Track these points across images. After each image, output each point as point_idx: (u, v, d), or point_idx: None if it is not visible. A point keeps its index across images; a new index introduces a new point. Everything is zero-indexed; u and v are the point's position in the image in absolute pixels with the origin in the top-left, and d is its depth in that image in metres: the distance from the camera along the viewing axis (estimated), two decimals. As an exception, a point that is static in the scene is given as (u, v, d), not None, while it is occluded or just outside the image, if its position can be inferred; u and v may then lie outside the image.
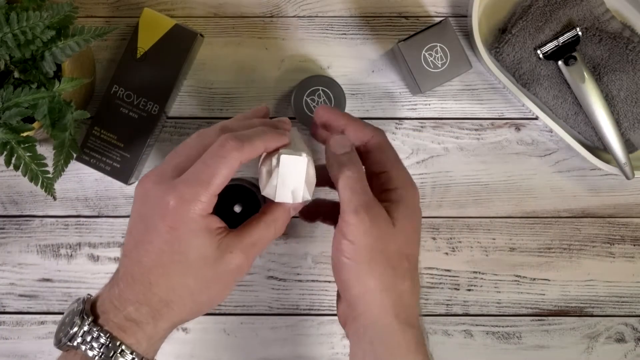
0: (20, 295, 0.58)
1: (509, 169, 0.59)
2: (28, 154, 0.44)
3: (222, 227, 0.38)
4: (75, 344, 0.36)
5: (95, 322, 0.37)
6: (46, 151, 0.56)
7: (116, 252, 0.58)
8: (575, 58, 0.55)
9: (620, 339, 0.60)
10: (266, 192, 0.39)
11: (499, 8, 0.58)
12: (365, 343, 0.39)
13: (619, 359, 0.60)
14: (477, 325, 0.59)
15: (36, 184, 0.45)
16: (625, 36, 0.56)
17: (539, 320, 0.60)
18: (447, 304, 0.59)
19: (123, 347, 0.36)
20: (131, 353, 0.37)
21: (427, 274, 0.59)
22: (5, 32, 0.42)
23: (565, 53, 0.55)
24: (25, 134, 0.44)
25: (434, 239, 0.59)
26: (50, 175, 0.46)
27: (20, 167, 0.44)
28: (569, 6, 0.56)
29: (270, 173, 0.39)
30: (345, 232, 0.38)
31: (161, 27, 0.53)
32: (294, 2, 0.58)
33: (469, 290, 0.59)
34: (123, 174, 0.54)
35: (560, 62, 0.55)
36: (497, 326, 0.60)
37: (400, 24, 0.58)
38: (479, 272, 0.59)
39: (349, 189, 0.38)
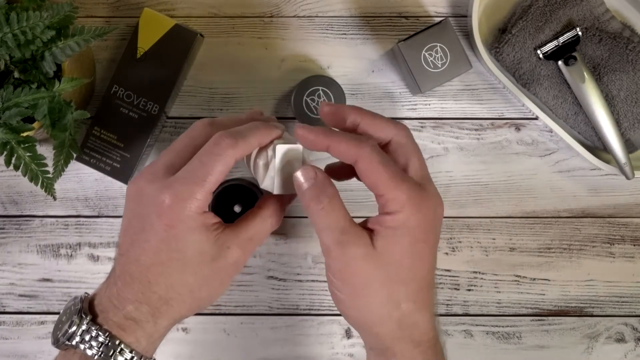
0: (20, 295, 0.58)
1: (509, 169, 0.59)
2: (28, 154, 0.44)
3: (218, 222, 0.38)
4: (73, 343, 0.36)
5: (93, 320, 0.37)
6: (46, 151, 0.56)
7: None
8: (575, 58, 0.55)
9: (620, 339, 0.60)
10: (265, 184, 0.39)
11: (499, 8, 0.58)
12: None
13: (619, 359, 0.60)
14: (477, 325, 0.59)
15: (36, 184, 0.45)
16: (625, 36, 0.56)
17: (539, 320, 0.60)
18: (447, 304, 0.59)
19: (122, 345, 0.36)
20: (130, 352, 0.37)
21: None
22: (5, 32, 0.42)
23: (565, 53, 0.55)
24: (25, 134, 0.44)
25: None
26: (50, 175, 0.46)
27: (20, 167, 0.44)
28: (569, 6, 0.56)
29: (267, 166, 0.39)
30: (327, 267, 0.38)
31: (161, 27, 0.53)
32: (294, 2, 0.58)
33: (469, 290, 0.59)
34: (123, 174, 0.54)
35: (560, 62, 0.55)
36: (497, 326, 0.60)
37: (400, 24, 0.58)
38: (479, 272, 0.59)
39: (317, 228, 0.37)
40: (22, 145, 0.44)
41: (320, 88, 0.54)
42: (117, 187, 0.58)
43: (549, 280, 0.59)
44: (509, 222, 0.59)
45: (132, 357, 0.37)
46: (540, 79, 0.56)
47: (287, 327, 0.59)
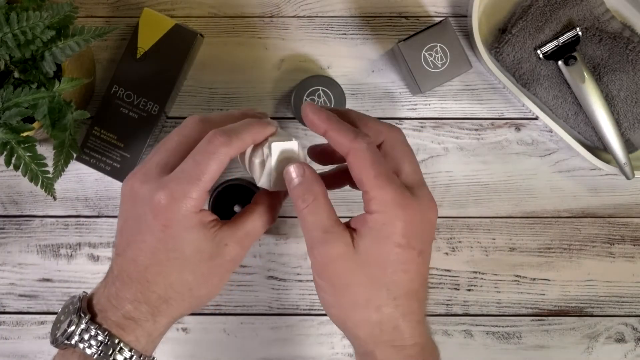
0: (20, 295, 0.58)
1: (509, 169, 0.59)
2: (28, 154, 0.44)
3: (215, 220, 0.38)
4: (72, 342, 0.36)
5: (92, 320, 0.37)
6: (46, 151, 0.56)
7: (116, 252, 0.58)
8: (575, 58, 0.55)
9: (620, 339, 0.60)
10: (262, 182, 0.39)
11: (499, 8, 0.58)
12: None
13: (619, 359, 0.60)
14: (477, 325, 0.59)
15: (36, 184, 0.45)
16: (625, 36, 0.56)
17: (539, 320, 0.60)
18: (447, 304, 0.59)
19: (122, 344, 0.36)
20: (130, 350, 0.37)
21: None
22: (5, 32, 0.42)
23: (565, 53, 0.55)
24: (25, 134, 0.44)
25: (434, 239, 0.59)
26: (50, 175, 0.46)
27: (20, 167, 0.44)
28: (569, 6, 0.56)
29: (263, 164, 0.39)
30: (311, 266, 0.38)
31: (161, 27, 0.53)
32: (293, 2, 0.58)
33: (469, 290, 0.59)
34: (123, 174, 0.54)
35: (560, 62, 0.55)
36: (497, 326, 0.60)
37: (400, 24, 0.58)
38: (479, 272, 0.59)
39: (302, 226, 0.37)
40: (22, 145, 0.44)
41: (320, 88, 0.54)
42: (117, 187, 0.58)
43: (549, 280, 0.59)
44: (509, 222, 0.59)
45: (132, 356, 0.37)
46: (540, 79, 0.56)
47: (287, 327, 0.59)
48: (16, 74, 0.45)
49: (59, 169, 0.48)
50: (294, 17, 0.58)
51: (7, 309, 0.58)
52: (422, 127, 0.58)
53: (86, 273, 0.58)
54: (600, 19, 0.56)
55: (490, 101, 0.59)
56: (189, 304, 0.39)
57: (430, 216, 0.37)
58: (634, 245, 0.60)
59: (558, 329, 0.60)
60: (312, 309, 0.59)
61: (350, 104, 0.57)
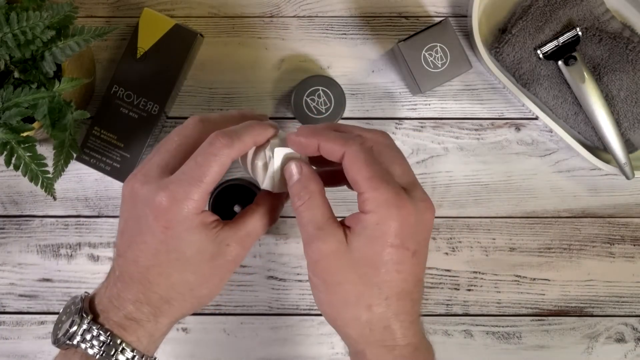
0: (20, 295, 0.58)
1: (509, 169, 0.59)
2: (28, 154, 0.44)
3: (216, 220, 0.38)
4: (74, 342, 0.36)
5: (95, 320, 0.37)
6: (46, 151, 0.56)
7: (116, 252, 0.58)
8: (575, 58, 0.55)
9: (620, 339, 0.60)
10: (265, 185, 0.39)
11: (499, 8, 0.58)
12: None
13: (619, 359, 0.60)
14: (477, 325, 0.59)
15: (36, 184, 0.45)
16: (625, 36, 0.56)
17: (539, 320, 0.60)
18: (447, 304, 0.59)
19: (124, 344, 0.37)
20: (132, 350, 0.37)
21: (427, 274, 0.59)
22: (5, 32, 0.42)
23: (565, 53, 0.55)
24: (25, 134, 0.44)
25: (433, 239, 0.59)
26: (50, 175, 0.46)
27: (20, 167, 0.44)
28: (569, 6, 0.56)
29: (266, 166, 0.39)
30: (307, 264, 0.38)
31: (161, 27, 0.53)
32: (293, 2, 0.58)
33: (469, 290, 0.59)
34: (123, 174, 0.54)
35: (560, 62, 0.55)
36: (497, 326, 0.60)
37: (400, 24, 0.58)
38: (479, 272, 0.59)
39: (298, 223, 0.37)
40: (22, 145, 0.44)
41: (320, 88, 0.54)
42: (117, 187, 0.58)
43: (549, 280, 0.59)
44: (509, 222, 0.59)
45: (134, 356, 0.37)
46: (540, 79, 0.56)
47: (287, 327, 0.59)
48: (16, 74, 0.45)
49: (59, 169, 0.48)
50: (294, 17, 0.58)
51: (7, 309, 0.58)
52: (422, 127, 0.58)
53: (86, 273, 0.58)
54: (600, 19, 0.56)
55: (490, 101, 0.59)
56: (191, 304, 0.39)
57: (427, 217, 0.37)
58: (634, 245, 0.60)
59: (558, 329, 0.60)
60: (312, 309, 0.59)
61: (350, 104, 0.57)
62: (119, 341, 0.36)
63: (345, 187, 0.43)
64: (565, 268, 0.59)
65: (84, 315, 0.37)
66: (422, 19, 0.58)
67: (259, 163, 0.39)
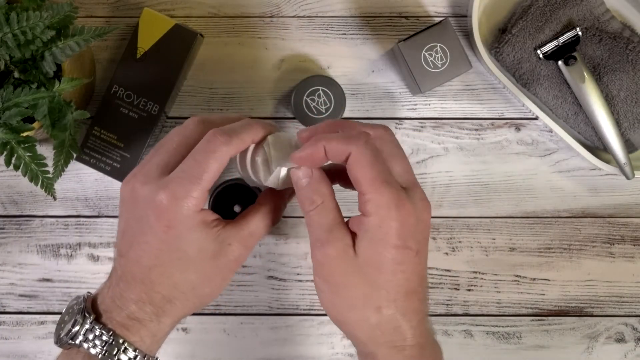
0: (20, 295, 0.58)
1: (509, 169, 0.59)
2: (28, 154, 0.44)
3: (217, 219, 0.38)
4: (77, 342, 0.36)
5: (97, 320, 0.37)
6: (46, 151, 0.56)
7: (116, 252, 0.58)
8: (575, 58, 0.55)
9: (620, 339, 0.60)
10: (270, 181, 0.39)
11: (499, 8, 0.58)
12: None
13: (619, 359, 0.60)
14: (477, 325, 0.59)
15: (36, 184, 0.45)
16: (625, 36, 0.56)
17: (539, 320, 0.60)
18: (447, 304, 0.59)
19: (126, 344, 0.37)
20: (134, 350, 0.37)
21: (427, 274, 0.59)
22: (5, 32, 0.42)
23: (565, 53, 0.55)
24: (25, 134, 0.44)
25: (433, 239, 0.59)
26: (50, 175, 0.46)
27: (20, 167, 0.44)
28: (569, 6, 0.56)
29: (266, 162, 0.39)
30: (313, 267, 0.38)
31: (161, 27, 0.53)
32: (294, 2, 0.58)
33: (469, 290, 0.59)
34: (123, 174, 0.54)
35: (560, 62, 0.55)
36: (497, 326, 0.60)
37: (400, 24, 0.58)
38: (479, 272, 0.59)
39: (307, 226, 0.37)
40: (22, 145, 0.44)
41: (320, 88, 0.54)
42: (117, 187, 0.58)
43: (549, 280, 0.59)
44: (509, 222, 0.59)
45: (136, 356, 0.37)
46: (540, 79, 0.56)
47: (287, 327, 0.59)
48: (16, 74, 0.45)
49: (59, 169, 0.48)
50: (294, 17, 0.58)
51: (7, 309, 0.58)
52: (422, 127, 0.58)
53: (86, 273, 0.58)
54: (600, 19, 0.56)
55: (490, 101, 0.59)
56: (193, 303, 0.39)
57: (424, 216, 0.37)
58: (634, 245, 0.60)
59: (558, 329, 0.60)
60: (312, 309, 0.59)
61: (350, 104, 0.57)
62: (121, 341, 0.37)
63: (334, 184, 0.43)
64: (565, 268, 0.59)
65: (87, 315, 0.37)
66: (422, 19, 0.58)
67: (259, 159, 0.39)
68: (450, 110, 0.58)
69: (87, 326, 0.37)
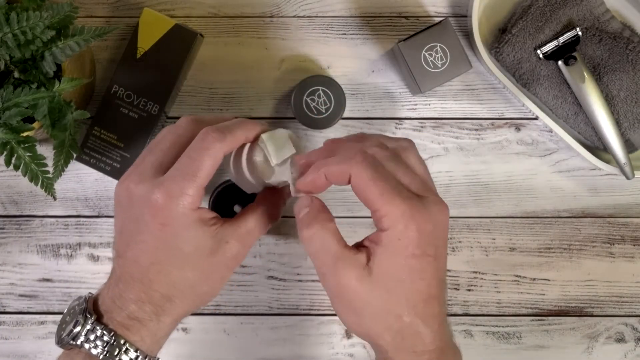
0: (20, 295, 0.58)
1: (509, 169, 0.59)
2: (28, 154, 0.44)
3: (214, 217, 0.38)
4: (78, 342, 0.37)
5: (98, 320, 0.37)
6: (46, 151, 0.56)
7: (116, 252, 0.58)
8: (575, 58, 0.55)
9: (620, 339, 0.60)
10: (273, 179, 0.39)
11: (499, 8, 0.58)
12: None
13: (619, 359, 0.60)
14: (477, 325, 0.59)
15: (36, 184, 0.45)
16: (625, 36, 0.56)
17: (539, 320, 0.60)
18: (447, 304, 0.59)
19: (127, 344, 0.37)
20: (135, 350, 0.37)
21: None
22: (5, 32, 0.42)
23: (565, 53, 0.55)
24: (25, 134, 0.44)
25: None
26: (50, 175, 0.46)
27: (20, 167, 0.44)
28: (569, 6, 0.56)
29: (265, 160, 0.39)
30: (325, 289, 0.37)
31: (161, 27, 0.53)
32: (294, 2, 0.58)
33: (469, 290, 0.59)
34: (123, 174, 0.54)
35: (560, 62, 0.55)
36: (497, 326, 0.60)
37: (400, 24, 0.58)
38: (479, 272, 0.59)
39: (309, 252, 0.37)
40: (22, 145, 0.44)
41: (320, 88, 0.54)
42: (117, 187, 0.58)
43: (549, 280, 0.59)
44: (509, 222, 0.59)
45: (137, 356, 0.37)
46: (540, 79, 0.56)
47: (287, 327, 0.59)
48: (16, 74, 0.45)
49: (59, 169, 0.48)
50: (294, 17, 0.58)
51: (7, 309, 0.58)
52: (422, 127, 0.58)
53: (86, 273, 0.58)
54: (600, 19, 0.56)
55: (490, 101, 0.59)
56: (192, 302, 0.39)
57: (441, 220, 0.37)
58: (634, 245, 0.60)
59: (558, 329, 0.60)
60: (312, 309, 0.59)
61: (350, 104, 0.57)
62: (122, 341, 0.37)
63: (345, 186, 0.43)
64: (565, 268, 0.59)
65: (88, 315, 0.37)
66: (422, 19, 0.58)
67: (257, 159, 0.39)
68: (450, 110, 0.58)
69: (88, 327, 0.37)
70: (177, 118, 0.57)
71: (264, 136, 0.39)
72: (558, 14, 0.56)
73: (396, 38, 0.58)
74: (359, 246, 0.37)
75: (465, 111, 0.58)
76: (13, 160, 0.44)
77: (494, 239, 0.59)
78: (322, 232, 0.36)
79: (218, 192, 0.53)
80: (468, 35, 0.57)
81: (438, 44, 0.53)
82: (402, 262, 0.35)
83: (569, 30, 0.55)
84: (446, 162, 0.59)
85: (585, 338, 0.60)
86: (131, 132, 0.54)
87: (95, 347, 0.36)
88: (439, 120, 0.59)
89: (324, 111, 0.54)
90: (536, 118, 0.58)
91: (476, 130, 0.59)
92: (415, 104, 0.58)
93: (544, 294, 0.59)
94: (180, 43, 0.53)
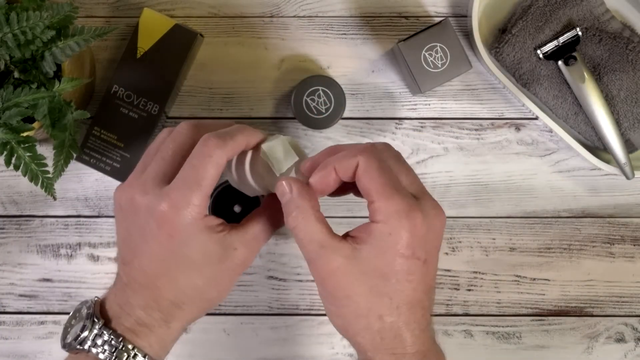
0: (20, 295, 0.58)
1: (509, 169, 0.59)
2: (28, 154, 0.44)
3: (221, 223, 0.38)
4: (85, 347, 0.36)
5: (106, 325, 0.37)
6: (46, 151, 0.56)
7: (116, 252, 0.58)
8: (575, 58, 0.55)
9: (620, 339, 0.60)
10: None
11: (499, 8, 0.58)
12: None
13: (619, 359, 0.60)
14: (477, 325, 0.59)
15: (36, 184, 0.45)
16: (625, 36, 0.56)
17: (539, 320, 0.60)
18: (447, 304, 0.59)
19: (135, 350, 0.37)
20: (144, 356, 0.37)
21: (427, 274, 0.59)
22: (5, 32, 0.42)
23: (565, 53, 0.55)
24: (25, 134, 0.44)
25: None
26: (50, 175, 0.46)
27: (20, 167, 0.44)
28: (569, 6, 0.56)
29: (270, 170, 0.39)
30: (313, 277, 0.37)
31: (161, 27, 0.53)
32: (294, 2, 0.58)
33: (469, 290, 0.59)
34: (123, 174, 0.54)
35: (560, 62, 0.55)
36: (497, 326, 0.60)
37: (400, 24, 0.58)
38: (479, 272, 0.59)
39: (297, 241, 0.37)
40: (22, 145, 0.44)
41: (320, 88, 0.54)
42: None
43: (549, 280, 0.59)
44: (509, 222, 0.59)
45: None
46: (540, 79, 0.56)
47: (287, 327, 0.59)
48: (16, 74, 0.45)
49: (59, 169, 0.48)
50: (294, 17, 0.58)
51: (7, 309, 0.58)
52: (422, 127, 0.58)
53: (86, 273, 0.58)
54: (600, 19, 0.56)
55: (490, 101, 0.59)
56: (201, 307, 0.39)
57: (437, 225, 0.37)
58: (634, 245, 0.60)
59: (558, 329, 0.60)
60: (312, 309, 0.59)
61: (350, 104, 0.57)
62: (130, 346, 0.36)
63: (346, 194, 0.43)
64: (565, 268, 0.59)
65: (95, 320, 0.37)
66: (422, 19, 0.58)
67: (262, 170, 0.39)
68: (450, 110, 0.58)
69: (95, 331, 0.37)
70: (177, 118, 0.58)
71: (264, 148, 0.39)
72: (558, 14, 0.56)
73: (396, 38, 0.58)
74: (346, 236, 0.37)
75: (465, 111, 0.58)
76: (13, 160, 0.44)
77: (494, 239, 0.59)
78: (305, 220, 0.36)
79: (218, 193, 0.53)
80: (468, 35, 0.57)
81: (438, 44, 0.53)
82: (390, 259, 0.35)
83: (569, 30, 0.55)
84: (446, 162, 0.59)
85: (585, 338, 0.60)
86: (131, 132, 0.54)
87: (103, 351, 0.36)
88: (439, 120, 0.59)
89: (324, 111, 0.54)
90: (536, 118, 0.58)
91: (476, 130, 0.59)
92: (415, 104, 0.58)
93: (544, 294, 0.59)
94: (180, 43, 0.53)
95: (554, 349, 0.60)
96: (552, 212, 0.59)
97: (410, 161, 0.58)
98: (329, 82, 0.54)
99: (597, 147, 0.58)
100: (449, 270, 0.59)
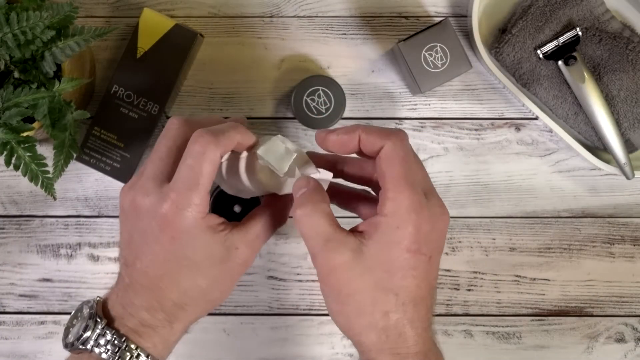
0: (20, 295, 0.58)
1: (509, 169, 0.59)
2: (28, 154, 0.44)
3: (223, 223, 0.38)
4: (88, 346, 0.36)
5: (109, 325, 0.37)
6: (46, 151, 0.56)
7: (116, 252, 0.58)
8: (575, 58, 0.55)
9: (620, 339, 0.60)
10: (287, 190, 0.39)
11: (499, 8, 0.58)
12: None
13: (619, 359, 0.60)
14: (477, 325, 0.59)
15: (36, 184, 0.45)
16: (625, 36, 0.56)
17: (539, 320, 0.60)
18: (447, 304, 0.59)
19: (139, 350, 0.37)
20: (147, 356, 0.37)
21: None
22: (5, 32, 0.42)
23: (565, 53, 0.55)
24: (25, 134, 0.44)
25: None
26: (50, 175, 0.46)
27: (20, 167, 0.44)
28: (569, 6, 0.56)
29: (272, 173, 0.39)
30: (317, 274, 0.37)
31: (161, 27, 0.53)
32: (294, 2, 0.58)
33: (469, 290, 0.59)
34: (123, 174, 0.54)
35: (560, 62, 0.55)
36: (497, 326, 0.60)
37: (400, 24, 0.58)
38: (479, 272, 0.59)
39: (302, 235, 0.37)
40: (22, 145, 0.44)
41: (320, 88, 0.54)
42: (117, 187, 0.58)
43: (549, 280, 0.59)
44: (509, 222, 0.59)
45: None
46: (540, 79, 0.56)
47: (287, 327, 0.59)
48: (16, 74, 0.45)
49: (59, 169, 0.48)
50: (294, 17, 0.58)
51: (7, 309, 0.58)
52: (422, 127, 0.58)
53: (86, 273, 0.58)
54: (600, 19, 0.56)
55: (490, 101, 0.59)
56: (204, 308, 0.39)
57: (440, 225, 0.37)
58: (634, 245, 0.60)
59: (558, 329, 0.60)
60: (312, 309, 0.59)
61: (350, 104, 0.57)
62: (133, 346, 0.36)
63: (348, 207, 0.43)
64: (565, 268, 0.59)
65: (98, 320, 0.37)
66: (422, 19, 0.58)
67: (263, 175, 0.39)
68: (450, 110, 0.58)
69: (98, 331, 0.36)
70: (177, 118, 0.57)
71: (260, 153, 0.38)
72: (558, 14, 0.56)
73: (396, 38, 0.58)
74: (353, 231, 0.37)
75: (465, 111, 0.58)
76: (13, 160, 0.44)
77: (494, 239, 0.59)
78: (314, 212, 0.36)
79: (218, 192, 0.53)
80: (468, 35, 0.57)
81: (438, 44, 0.53)
82: (396, 254, 0.35)
83: (569, 30, 0.55)
84: (446, 162, 0.59)
85: (585, 338, 0.60)
86: (131, 132, 0.54)
87: (106, 351, 0.36)
88: (439, 120, 0.59)
89: (324, 111, 0.54)
90: (536, 118, 0.58)
91: (476, 130, 0.59)
92: (415, 104, 0.58)
93: (544, 294, 0.59)
94: (180, 43, 0.53)
95: (554, 349, 0.60)
96: (552, 212, 0.59)
97: (410, 161, 0.58)
98: (329, 82, 0.54)
99: (597, 147, 0.58)
100: (449, 270, 0.59)
